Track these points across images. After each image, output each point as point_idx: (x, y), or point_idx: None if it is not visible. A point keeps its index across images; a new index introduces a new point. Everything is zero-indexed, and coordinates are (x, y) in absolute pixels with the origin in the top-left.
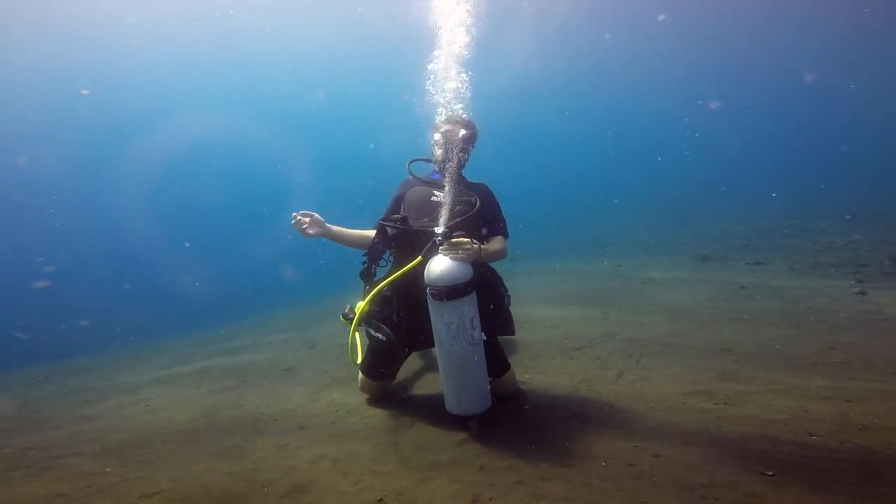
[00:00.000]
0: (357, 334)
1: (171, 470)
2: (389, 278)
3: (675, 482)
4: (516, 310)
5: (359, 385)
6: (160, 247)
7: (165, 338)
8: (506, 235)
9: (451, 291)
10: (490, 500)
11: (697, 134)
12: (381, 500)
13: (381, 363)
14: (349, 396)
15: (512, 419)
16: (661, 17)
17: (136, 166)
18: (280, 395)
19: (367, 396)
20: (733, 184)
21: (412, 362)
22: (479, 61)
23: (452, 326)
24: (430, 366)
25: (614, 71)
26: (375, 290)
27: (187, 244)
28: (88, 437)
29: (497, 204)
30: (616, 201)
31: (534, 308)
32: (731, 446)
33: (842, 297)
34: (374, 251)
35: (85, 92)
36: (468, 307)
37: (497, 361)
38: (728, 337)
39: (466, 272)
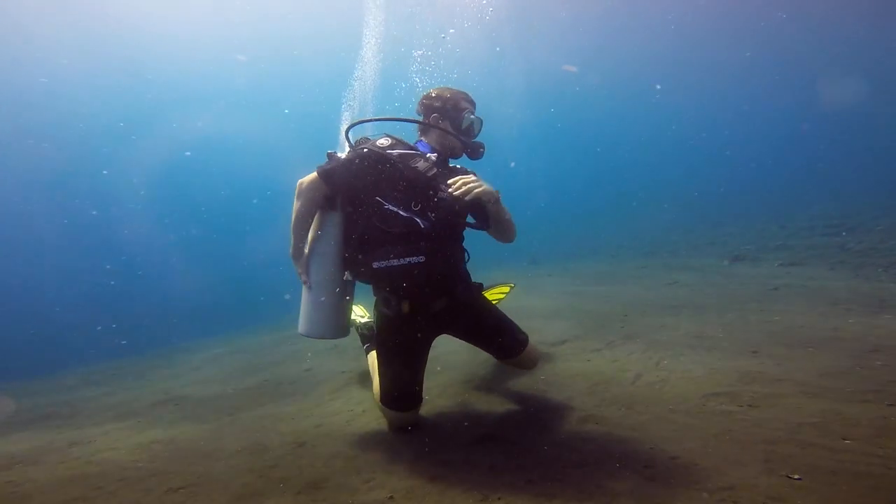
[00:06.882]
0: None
1: (196, 466)
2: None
3: (692, 484)
4: (530, 313)
5: (387, 424)
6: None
7: (195, 337)
8: None
9: None
10: (499, 499)
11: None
12: (391, 497)
13: (396, 380)
14: (364, 396)
15: (525, 419)
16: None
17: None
18: (299, 394)
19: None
20: (773, 181)
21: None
22: (510, 60)
23: None
24: (446, 370)
25: (645, 67)
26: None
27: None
28: (124, 433)
29: None
30: (634, 203)
31: (553, 310)
32: (754, 449)
33: (889, 298)
34: None
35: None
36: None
37: (506, 342)
38: (756, 339)
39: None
